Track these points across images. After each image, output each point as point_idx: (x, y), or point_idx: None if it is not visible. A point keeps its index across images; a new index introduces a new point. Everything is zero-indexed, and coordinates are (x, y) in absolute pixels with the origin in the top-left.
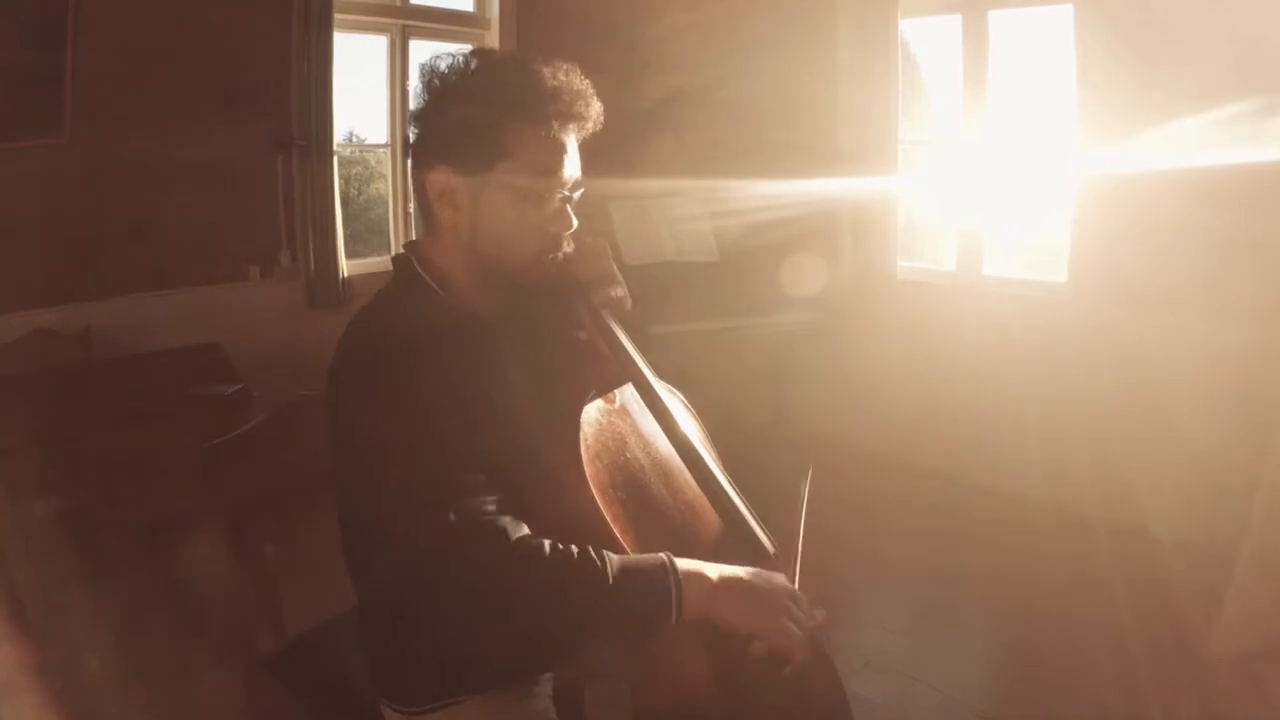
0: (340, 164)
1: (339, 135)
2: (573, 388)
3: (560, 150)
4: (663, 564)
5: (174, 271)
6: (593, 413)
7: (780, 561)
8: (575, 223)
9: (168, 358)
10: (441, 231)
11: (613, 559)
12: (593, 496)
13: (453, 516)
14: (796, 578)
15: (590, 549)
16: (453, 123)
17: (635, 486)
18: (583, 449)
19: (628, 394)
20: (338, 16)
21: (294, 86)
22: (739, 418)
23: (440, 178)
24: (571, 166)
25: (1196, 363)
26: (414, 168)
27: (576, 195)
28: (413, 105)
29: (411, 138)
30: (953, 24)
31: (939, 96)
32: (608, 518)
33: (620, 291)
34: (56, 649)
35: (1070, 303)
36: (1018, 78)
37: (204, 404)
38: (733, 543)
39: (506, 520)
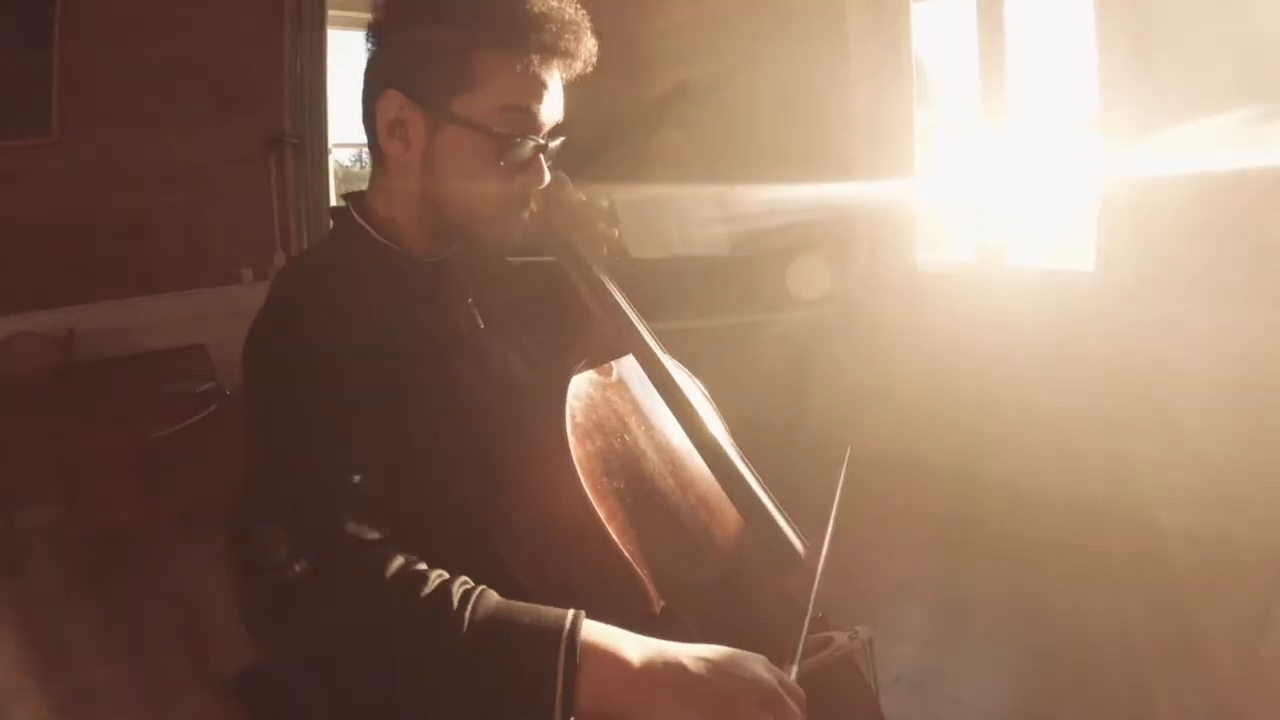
0: (351, 179)
1: (350, 148)
2: (557, 352)
3: (538, 87)
4: (558, 625)
5: (164, 275)
6: (583, 385)
7: (811, 564)
8: (548, 178)
9: (150, 360)
10: (389, 171)
11: (487, 603)
12: (580, 486)
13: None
14: (816, 579)
15: (455, 587)
16: (412, 41)
17: (635, 475)
18: (569, 428)
19: (627, 367)
20: (337, 14)
21: (286, 84)
22: (754, 417)
23: (391, 104)
24: (551, 109)
25: (1236, 355)
26: (364, 93)
27: (554, 145)
28: (372, 17)
29: (367, 57)
30: (967, 6)
31: (955, 84)
32: (600, 513)
33: (616, 232)
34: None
35: (1098, 292)
36: (1035, 62)
37: (172, 402)
38: (755, 544)
39: (356, 535)
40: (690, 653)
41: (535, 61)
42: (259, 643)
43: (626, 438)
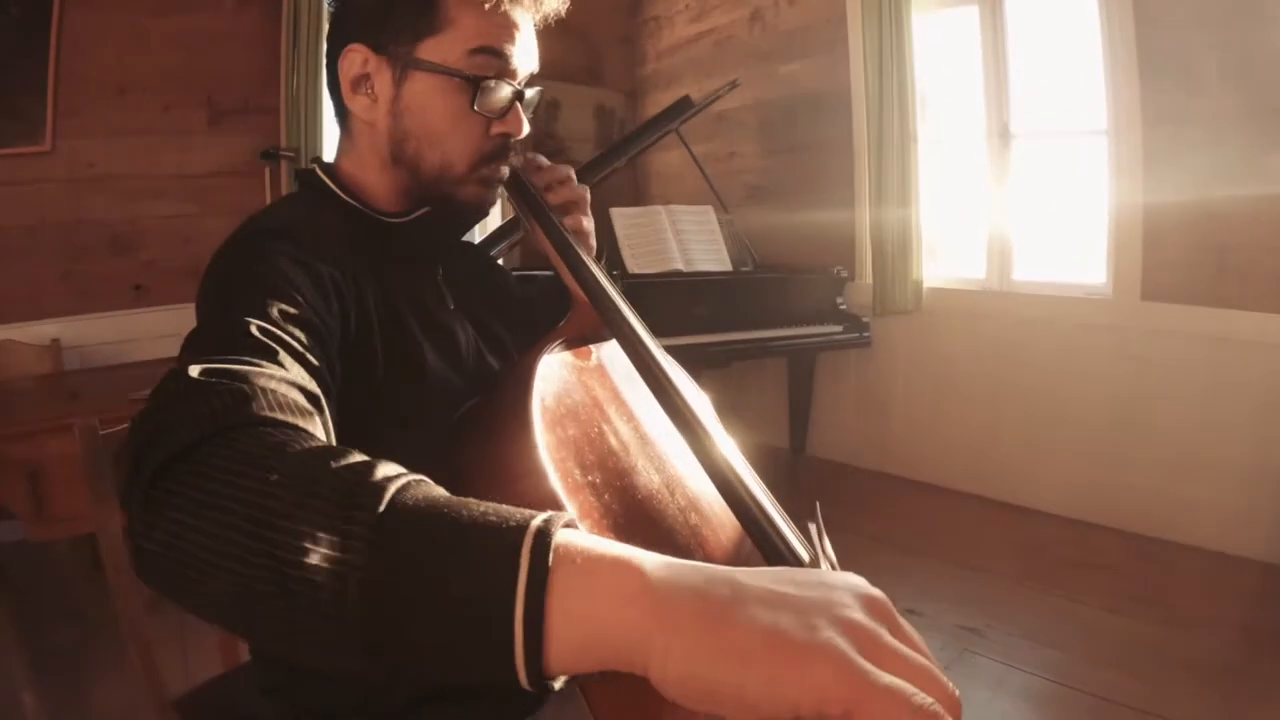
0: None
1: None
2: (529, 327)
3: (509, 28)
4: (523, 519)
5: (156, 287)
6: (555, 367)
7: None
8: (527, 128)
9: (135, 369)
10: (356, 131)
11: (429, 490)
12: (546, 478)
13: (196, 372)
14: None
15: (386, 464)
16: None
17: (613, 470)
18: (536, 412)
19: (608, 352)
20: None
21: (283, 98)
22: (759, 434)
23: (355, 59)
24: (524, 55)
25: (1253, 368)
26: (327, 54)
27: (530, 95)
28: None
29: (329, 18)
30: (969, 17)
31: (960, 95)
32: (571, 508)
33: (588, 224)
34: None
35: (1112, 305)
36: (1041, 72)
37: (137, 406)
38: (754, 553)
39: (271, 388)
40: (744, 569)
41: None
42: (134, 535)
43: (605, 427)
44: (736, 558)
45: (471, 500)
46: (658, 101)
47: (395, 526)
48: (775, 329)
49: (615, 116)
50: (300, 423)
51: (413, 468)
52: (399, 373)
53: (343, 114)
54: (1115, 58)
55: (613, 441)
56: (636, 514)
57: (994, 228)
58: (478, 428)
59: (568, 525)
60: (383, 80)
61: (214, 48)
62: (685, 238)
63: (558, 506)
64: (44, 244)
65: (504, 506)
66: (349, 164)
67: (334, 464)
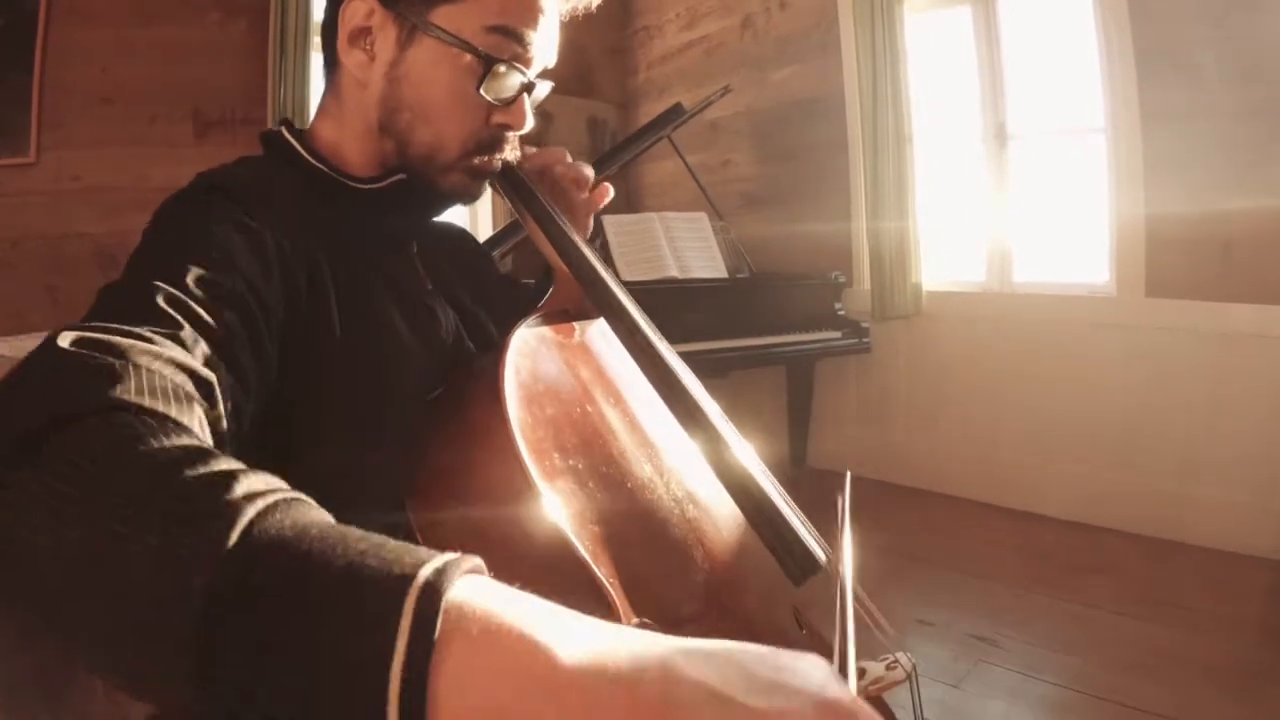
0: None
1: None
2: (516, 318)
3: (533, 10)
4: (411, 565)
5: None
6: (532, 342)
7: (832, 580)
8: (530, 123)
9: None
10: (343, 89)
11: (300, 515)
12: (521, 460)
13: (67, 341)
14: (849, 588)
15: (253, 479)
16: None
17: (600, 455)
18: (509, 387)
19: (594, 332)
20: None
21: (270, 109)
22: (755, 447)
23: (359, 9)
24: (543, 44)
25: (1264, 362)
26: (328, 4)
27: (540, 92)
28: None
29: None
30: (963, 15)
31: (954, 94)
32: (550, 495)
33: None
34: None
35: (1116, 303)
36: (1036, 70)
37: None
38: (759, 551)
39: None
40: (685, 649)
41: None
42: None
43: (589, 409)
44: (742, 555)
45: (355, 533)
46: (650, 112)
47: (245, 563)
48: (773, 336)
49: (607, 128)
50: (172, 412)
51: (380, 455)
52: (361, 345)
53: (332, 67)
54: (1111, 53)
55: (598, 425)
56: (626, 505)
57: (993, 229)
58: (446, 409)
59: (473, 571)
60: (385, 39)
61: (201, 59)
62: (679, 244)
63: (533, 493)
64: (28, 257)
65: (395, 545)
66: (327, 127)
67: (188, 472)
